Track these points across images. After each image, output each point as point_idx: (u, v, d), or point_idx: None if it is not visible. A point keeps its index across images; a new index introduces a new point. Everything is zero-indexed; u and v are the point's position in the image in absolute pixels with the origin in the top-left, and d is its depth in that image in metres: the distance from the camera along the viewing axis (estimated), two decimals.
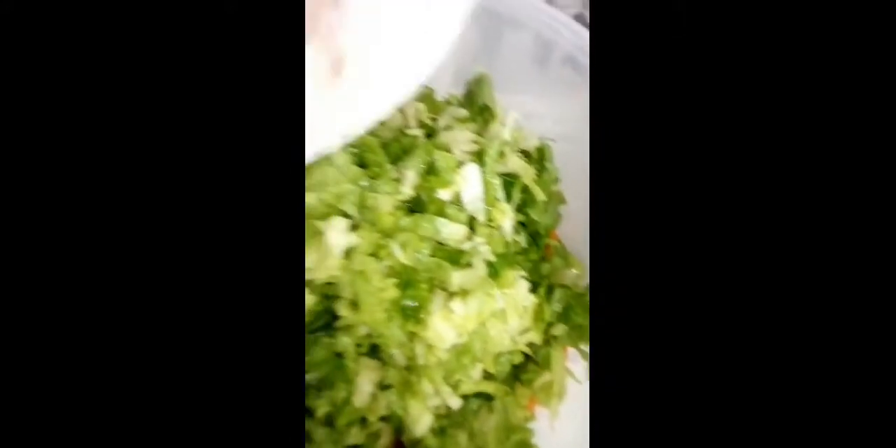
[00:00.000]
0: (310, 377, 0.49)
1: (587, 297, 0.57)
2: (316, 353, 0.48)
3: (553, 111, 0.69)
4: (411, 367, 0.48)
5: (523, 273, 0.53)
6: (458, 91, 0.67)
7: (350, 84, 0.44)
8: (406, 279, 0.46)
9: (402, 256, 0.46)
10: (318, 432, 0.48)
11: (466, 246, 0.49)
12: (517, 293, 0.51)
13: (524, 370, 0.56)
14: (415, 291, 0.46)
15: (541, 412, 0.56)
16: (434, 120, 0.60)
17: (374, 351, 0.48)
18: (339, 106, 0.42)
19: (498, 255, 0.51)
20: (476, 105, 0.61)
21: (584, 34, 0.63)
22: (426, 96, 0.63)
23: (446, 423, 0.51)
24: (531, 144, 0.62)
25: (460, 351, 0.48)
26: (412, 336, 0.48)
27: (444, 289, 0.48)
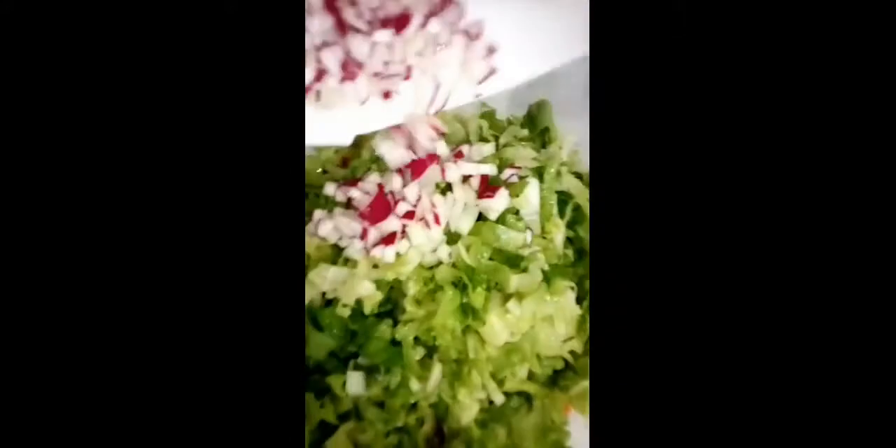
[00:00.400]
0: (363, 360, 0.53)
1: None
2: (374, 340, 0.52)
3: None
4: (462, 361, 0.52)
5: (572, 284, 0.56)
6: (517, 113, 0.71)
7: None
8: (468, 280, 0.50)
9: (466, 258, 0.50)
10: (369, 411, 0.52)
11: (525, 252, 0.53)
12: (566, 301, 0.55)
13: (563, 376, 0.59)
14: (475, 291, 0.50)
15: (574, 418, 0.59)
16: (496, 137, 0.64)
17: (429, 343, 0.52)
18: None
19: (551, 265, 0.55)
20: (537, 127, 0.65)
21: None
22: (488, 114, 0.68)
23: (488, 417, 0.54)
24: (585, 168, 0.66)
25: (510, 349, 0.52)
26: (466, 331, 0.52)
27: (500, 290, 0.52)
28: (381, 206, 0.52)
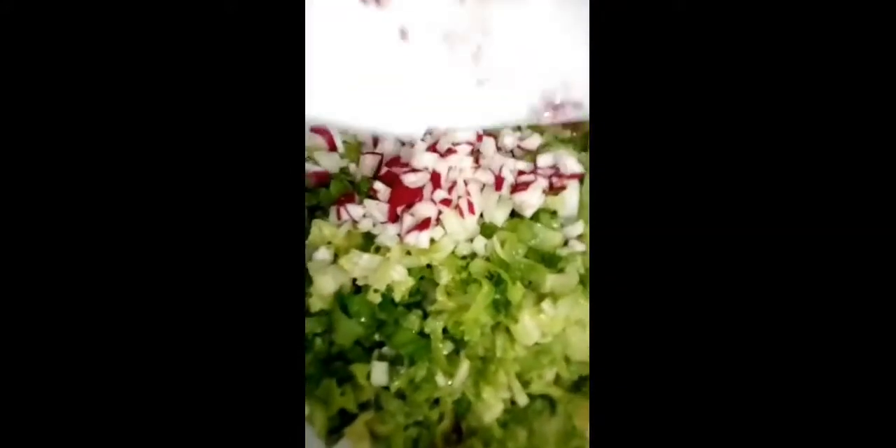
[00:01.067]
0: (388, 351, 0.52)
1: None
2: (403, 330, 0.51)
3: None
4: (488, 358, 0.51)
5: None
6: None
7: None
8: (505, 274, 0.49)
9: (500, 252, 0.50)
10: (391, 403, 0.51)
11: (563, 253, 0.52)
12: None
13: (587, 384, 0.58)
14: (513, 286, 0.49)
15: None
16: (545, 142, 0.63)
17: (457, 338, 0.51)
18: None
19: (587, 268, 0.54)
20: (581, 130, 0.65)
21: None
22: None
23: (509, 418, 0.53)
24: None
25: (540, 350, 0.51)
26: (496, 329, 0.51)
27: (535, 290, 0.51)
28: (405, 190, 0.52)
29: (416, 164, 0.54)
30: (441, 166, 0.54)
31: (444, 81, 0.53)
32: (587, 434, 0.56)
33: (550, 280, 0.51)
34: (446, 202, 0.52)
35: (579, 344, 0.53)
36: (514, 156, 0.58)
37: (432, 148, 0.56)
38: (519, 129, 0.60)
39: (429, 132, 0.56)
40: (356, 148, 0.62)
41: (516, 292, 0.49)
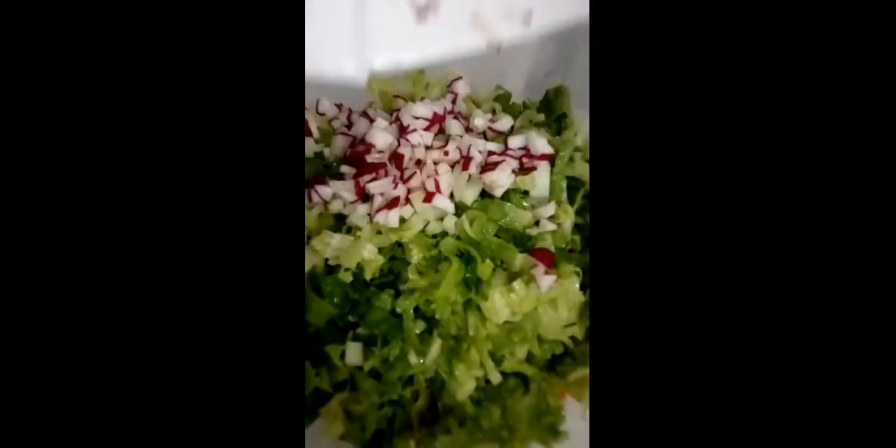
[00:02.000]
0: (362, 331, 0.53)
1: None
2: (375, 310, 0.52)
3: None
4: (461, 337, 0.52)
5: (577, 269, 0.56)
6: (533, 98, 0.71)
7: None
8: (474, 252, 0.50)
9: (469, 230, 0.50)
10: (365, 382, 0.52)
11: (533, 232, 0.53)
12: (571, 286, 0.54)
13: (561, 362, 0.58)
14: (482, 263, 0.50)
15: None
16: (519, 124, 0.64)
17: (429, 317, 0.52)
18: None
19: (558, 248, 0.54)
20: (554, 112, 0.65)
21: None
22: (502, 97, 0.67)
23: (483, 396, 0.54)
24: None
25: (511, 328, 0.52)
26: (468, 308, 0.51)
27: (506, 269, 0.52)
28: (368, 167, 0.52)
29: (375, 142, 0.55)
30: (403, 145, 0.54)
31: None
32: (562, 411, 0.57)
33: (520, 259, 0.51)
34: (409, 180, 0.53)
35: (551, 323, 0.53)
36: (485, 137, 0.59)
37: (392, 124, 0.56)
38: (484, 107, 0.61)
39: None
40: (330, 132, 0.62)
41: (485, 269, 0.50)
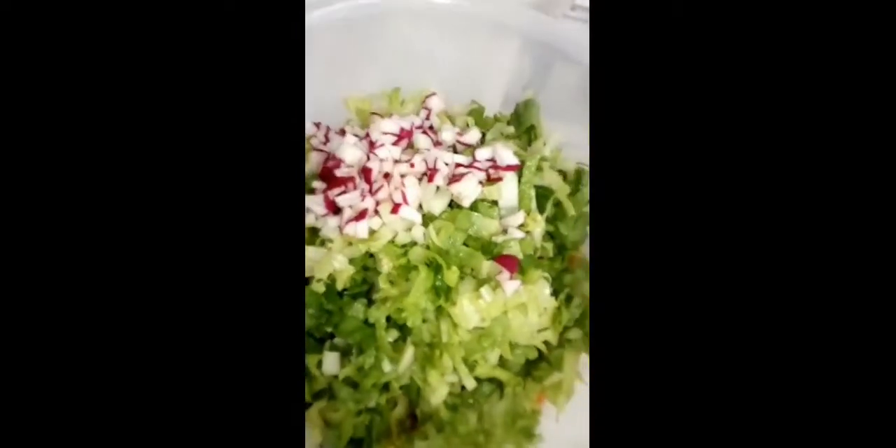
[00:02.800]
0: (339, 341, 0.54)
1: None
2: (348, 319, 0.53)
3: None
4: (434, 344, 0.54)
5: (546, 275, 0.58)
6: (506, 112, 0.73)
7: None
8: (441, 260, 0.52)
9: (436, 239, 0.52)
10: (342, 391, 0.53)
11: (499, 239, 0.55)
12: (539, 292, 0.56)
13: (536, 367, 0.60)
14: (448, 270, 0.51)
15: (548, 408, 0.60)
16: (483, 134, 0.66)
17: (403, 325, 0.54)
18: None
19: (526, 255, 0.56)
20: (523, 124, 0.67)
21: None
22: (475, 111, 0.70)
23: (459, 401, 0.55)
24: (570, 167, 0.68)
25: (482, 334, 0.53)
26: (439, 315, 0.53)
27: (474, 276, 0.54)
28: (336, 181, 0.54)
29: (345, 157, 0.57)
30: (372, 159, 0.56)
31: None
32: (538, 415, 0.58)
33: (487, 266, 0.53)
34: (377, 193, 0.55)
35: (521, 328, 0.55)
36: (455, 151, 0.61)
37: (363, 140, 0.59)
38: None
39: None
40: (308, 149, 0.64)
41: (452, 276, 0.52)
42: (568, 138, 0.70)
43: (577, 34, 0.80)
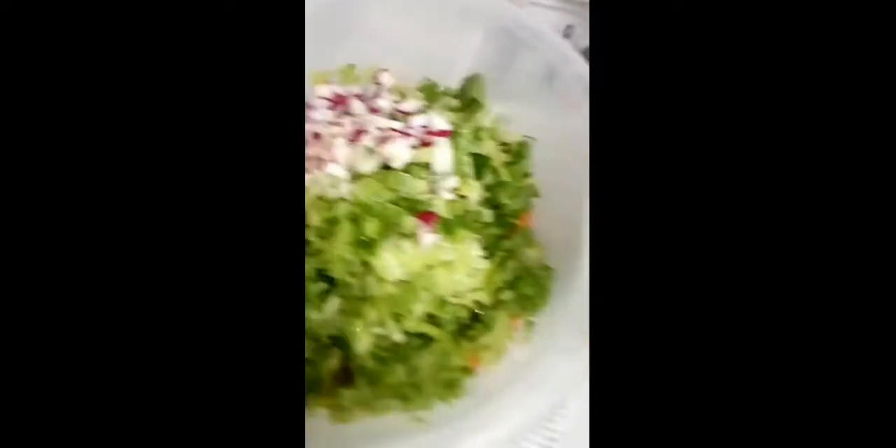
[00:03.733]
0: None
1: (542, 274, 0.64)
2: None
3: (553, 123, 0.77)
4: (361, 297, 0.56)
5: (478, 237, 0.60)
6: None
7: None
8: (363, 214, 0.55)
9: (361, 195, 0.55)
10: None
11: (424, 198, 0.57)
12: (467, 251, 0.58)
13: (471, 328, 0.62)
14: (367, 226, 0.54)
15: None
16: (429, 106, 0.69)
17: (331, 279, 0.56)
18: None
19: (456, 216, 0.59)
20: (466, 97, 0.70)
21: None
22: (426, 87, 0.73)
23: (388, 354, 0.58)
24: (514, 139, 0.71)
25: (407, 288, 0.56)
26: (365, 268, 0.56)
27: (399, 232, 0.56)
28: None
29: None
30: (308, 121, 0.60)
31: None
32: (469, 372, 0.61)
33: (409, 221, 0.56)
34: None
35: (447, 285, 0.57)
36: (395, 119, 0.64)
37: None
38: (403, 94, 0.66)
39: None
40: None
41: (372, 227, 0.54)
42: (528, 122, 0.73)
43: (540, 21, 0.83)
